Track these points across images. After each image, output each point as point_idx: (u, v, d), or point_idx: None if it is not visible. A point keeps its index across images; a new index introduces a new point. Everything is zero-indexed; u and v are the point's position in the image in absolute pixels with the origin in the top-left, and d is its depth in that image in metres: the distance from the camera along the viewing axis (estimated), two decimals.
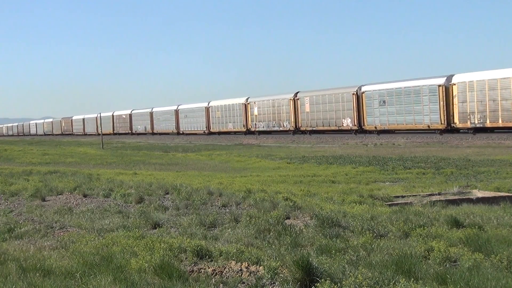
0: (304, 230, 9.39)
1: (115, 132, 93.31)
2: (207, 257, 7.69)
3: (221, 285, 6.56)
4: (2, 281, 6.72)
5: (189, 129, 72.41)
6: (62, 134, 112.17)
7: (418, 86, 42.56)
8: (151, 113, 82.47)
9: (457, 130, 40.51)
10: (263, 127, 59.56)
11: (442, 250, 7.34)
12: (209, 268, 7.17)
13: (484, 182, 16.89)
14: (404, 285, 5.89)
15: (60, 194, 15.85)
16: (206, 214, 11.31)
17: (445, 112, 40.37)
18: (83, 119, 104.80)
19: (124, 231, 9.54)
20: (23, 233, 10.19)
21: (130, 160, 34.20)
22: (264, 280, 6.58)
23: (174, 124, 75.81)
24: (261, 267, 6.97)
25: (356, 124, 48.21)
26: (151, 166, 29.74)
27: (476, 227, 8.86)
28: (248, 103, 62.04)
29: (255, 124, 60.69)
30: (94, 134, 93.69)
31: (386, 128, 45.61)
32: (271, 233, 9.11)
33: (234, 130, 64.27)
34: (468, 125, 39.06)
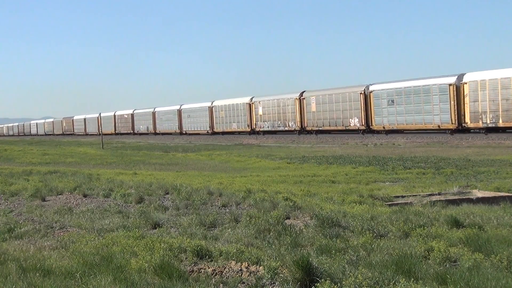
0: (304, 230, 9.39)
1: (117, 132, 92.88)
2: (207, 257, 7.69)
3: (221, 285, 6.56)
4: (2, 281, 6.72)
5: (192, 129, 71.91)
6: (63, 134, 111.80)
7: (428, 85, 41.78)
8: (154, 113, 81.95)
9: (468, 130, 39.73)
10: (268, 127, 58.96)
11: (442, 250, 7.34)
12: (209, 268, 7.17)
13: (484, 182, 16.89)
14: (404, 285, 5.90)
15: (60, 194, 15.85)
16: (206, 214, 11.31)
17: (456, 111, 39.64)
18: (85, 119, 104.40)
19: (124, 231, 9.54)
20: (23, 233, 10.20)
21: (130, 160, 34.20)
22: (264, 280, 6.58)
23: (177, 124, 75.30)
24: (261, 267, 6.97)
25: (363, 124, 47.55)
26: (151, 166, 29.75)
27: (476, 227, 8.86)
28: (253, 103, 61.37)
29: (260, 124, 60.11)
30: (96, 134, 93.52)
31: (395, 128, 44.91)
32: (271, 233, 9.11)
33: (238, 130, 63.63)
34: (480, 125, 38.25)
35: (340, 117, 49.97)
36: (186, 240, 8.45)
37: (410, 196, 13.84)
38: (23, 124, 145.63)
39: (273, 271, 6.70)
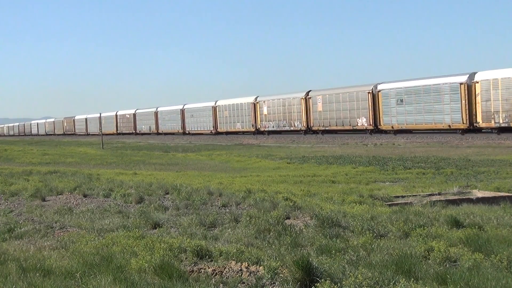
0: (304, 230, 9.39)
1: (118, 132, 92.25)
2: (207, 257, 7.69)
3: (221, 285, 6.56)
4: (2, 281, 6.72)
5: (196, 129, 71.29)
6: (64, 134, 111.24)
7: (438, 84, 41.15)
8: (156, 113, 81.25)
9: (479, 130, 39.03)
10: (273, 126, 58.22)
11: (442, 250, 7.34)
12: (209, 268, 7.17)
13: (484, 182, 16.89)
14: (404, 285, 5.90)
15: (60, 194, 15.85)
16: (206, 214, 11.31)
17: (467, 111, 38.99)
18: (86, 119, 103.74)
19: (124, 231, 9.54)
20: (23, 233, 10.20)
21: (130, 160, 34.21)
22: (264, 280, 6.58)
23: (180, 124, 74.68)
24: (261, 267, 6.97)
25: (371, 123, 46.86)
26: (151, 166, 29.75)
27: (476, 227, 8.86)
28: (257, 102, 60.70)
29: (265, 124, 59.42)
30: (97, 134, 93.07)
31: (404, 128, 44.21)
32: (271, 233, 9.11)
33: (243, 130, 62.91)
34: (492, 124, 37.54)
35: (347, 117, 49.27)
36: (186, 240, 8.45)
37: (410, 196, 13.84)
38: (24, 124, 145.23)
39: (273, 271, 6.70)
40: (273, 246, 8.15)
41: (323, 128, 52.09)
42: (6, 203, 14.59)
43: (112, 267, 7.06)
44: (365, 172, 21.91)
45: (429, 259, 7.24)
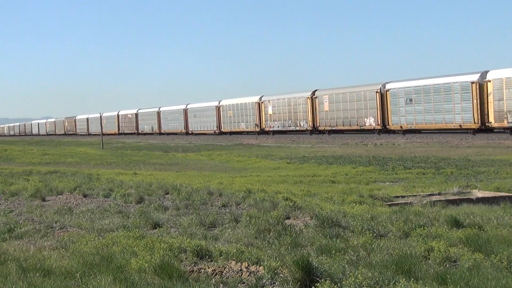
0: (304, 230, 9.39)
1: (120, 132, 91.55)
2: (207, 257, 7.69)
3: (221, 285, 6.56)
4: (2, 281, 6.72)
5: (199, 129, 70.57)
6: (65, 134, 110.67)
7: (449, 83, 40.31)
8: (159, 113, 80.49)
9: (491, 130, 38.26)
10: (278, 126, 57.31)
11: (442, 250, 7.34)
12: (209, 268, 7.18)
13: (484, 182, 16.89)
14: (404, 285, 5.90)
15: (60, 194, 15.85)
16: (206, 214, 11.32)
17: (479, 110, 38.12)
18: (87, 119, 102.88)
19: (124, 231, 9.54)
20: (23, 233, 10.20)
21: (130, 160, 34.21)
22: (264, 280, 6.58)
23: (183, 124, 73.94)
24: (261, 267, 6.97)
25: (379, 123, 46.00)
26: (151, 166, 29.75)
27: (476, 227, 8.86)
28: (262, 102, 59.87)
29: (270, 124, 58.62)
30: (99, 134, 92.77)
31: (413, 127, 43.36)
32: (271, 233, 9.11)
33: (247, 130, 61.97)
34: (505, 124, 36.67)
35: (354, 117, 48.43)
36: (186, 240, 8.45)
37: (410, 196, 13.84)
38: (25, 124, 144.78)
39: (273, 271, 6.70)
40: (273, 246, 8.15)
41: (330, 128, 51.24)
42: (6, 203, 14.59)
43: (112, 267, 7.06)
44: (365, 172, 21.91)
45: (429, 259, 7.24)
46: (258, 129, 60.23)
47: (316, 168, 24.99)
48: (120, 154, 41.24)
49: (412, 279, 6.12)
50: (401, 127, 44.46)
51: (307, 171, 23.20)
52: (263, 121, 59.85)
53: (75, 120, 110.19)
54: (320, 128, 52.74)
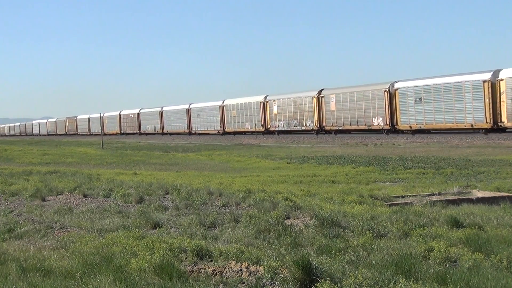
0: (304, 230, 9.39)
1: (122, 132, 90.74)
2: (207, 257, 7.70)
3: (221, 285, 6.56)
4: (2, 281, 6.72)
5: (202, 129, 69.72)
6: (66, 134, 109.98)
7: (460, 82, 39.42)
8: (161, 112, 79.56)
9: (504, 130, 37.39)
10: (284, 126, 56.49)
11: (442, 250, 7.34)
12: (209, 268, 7.18)
13: (484, 182, 16.89)
14: (404, 285, 5.90)
15: (60, 194, 15.85)
16: (206, 214, 11.32)
17: (491, 110, 37.30)
18: (89, 119, 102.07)
19: (124, 231, 9.54)
20: (23, 233, 10.20)
21: (130, 160, 34.21)
22: (264, 280, 6.58)
23: (186, 124, 73.12)
24: (261, 267, 6.97)
25: (388, 123, 45.18)
26: (151, 166, 29.75)
27: (476, 227, 8.86)
28: (267, 102, 58.99)
29: (275, 124, 57.61)
30: (100, 134, 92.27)
31: (423, 127, 42.60)
32: (271, 233, 9.11)
33: (252, 130, 61.08)
34: None
35: (362, 116, 47.61)
36: (186, 240, 8.45)
37: (410, 196, 13.84)
38: (25, 124, 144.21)
39: (273, 271, 6.70)
40: (273, 246, 8.15)
41: (336, 128, 50.44)
42: (6, 203, 14.60)
43: (112, 267, 7.06)
44: (365, 172, 21.91)
45: (429, 259, 7.24)
46: (263, 129, 59.49)
47: (316, 168, 24.99)
48: (120, 154, 41.24)
49: (412, 279, 6.12)
50: (410, 127, 43.66)
51: (307, 171, 23.20)
52: (268, 121, 59.13)
53: (76, 120, 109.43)
54: (326, 128, 51.94)
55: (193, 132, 71.79)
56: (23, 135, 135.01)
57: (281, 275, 6.59)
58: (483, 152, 29.19)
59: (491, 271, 6.44)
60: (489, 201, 12.69)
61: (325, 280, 6.06)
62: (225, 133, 65.36)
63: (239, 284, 6.57)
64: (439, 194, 14.01)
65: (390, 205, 12.34)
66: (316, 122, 52.82)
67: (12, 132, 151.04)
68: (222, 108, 66.47)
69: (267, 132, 59.00)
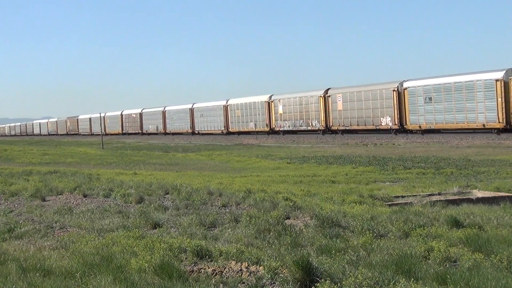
0: (304, 230, 9.39)
1: (124, 132, 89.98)
2: (207, 257, 7.69)
3: (221, 285, 6.56)
4: (2, 281, 6.73)
5: (206, 129, 68.95)
6: (67, 134, 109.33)
7: (471, 81, 38.59)
8: (164, 112, 78.77)
9: None
10: (289, 126, 55.69)
11: (442, 250, 7.34)
12: (209, 268, 7.18)
13: (484, 182, 16.90)
14: (404, 285, 5.90)
15: (60, 194, 15.85)
16: (206, 214, 11.32)
17: (504, 109, 36.49)
18: (90, 119, 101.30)
19: (124, 231, 9.54)
20: (23, 233, 10.20)
21: (130, 160, 34.21)
22: (264, 280, 6.58)
23: (189, 124, 72.29)
24: (261, 267, 6.97)
25: (396, 123, 44.50)
26: (151, 166, 29.76)
27: (476, 227, 8.86)
28: (272, 101, 58.17)
29: (280, 124, 56.81)
30: (102, 134, 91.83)
31: (433, 127, 41.84)
32: (271, 233, 9.11)
33: (256, 130, 60.18)
34: None
35: (370, 116, 46.79)
36: (186, 240, 8.45)
37: (410, 196, 13.84)
38: (26, 124, 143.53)
39: (273, 271, 6.70)
40: (273, 246, 8.15)
41: (343, 128, 49.70)
42: (6, 203, 14.59)
43: (112, 267, 7.06)
44: (365, 172, 21.92)
45: (429, 259, 7.24)
46: (267, 129, 58.76)
47: (316, 168, 24.99)
48: (120, 154, 41.25)
49: (412, 279, 6.12)
50: (420, 126, 42.94)
51: (307, 171, 23.21)
52: (273, 121, 58.33)
53: (77, 120, 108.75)
54: (333, 128, 51.19)
55: (196, 132, 71.09)
56: (23, 135, 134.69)
57: (281, 275, 6.59)
58: (483, 152, 29.20)
59: (491, 271, 6.44)
60: (489, 201, 12.69)
61: (325, 280, 6.06)
62: (229, 133, 64.68)
63: (239, 284, 6.57)
64: (439, 194, 14.02)
65: (390, 205, 12.35)
66: (323, 122, 52.07)
67: (13, 132, 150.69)
68: (226, 107, 65.72)
69: (272, 132, 58.28)
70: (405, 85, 44.13)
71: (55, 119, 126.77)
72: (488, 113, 37.70)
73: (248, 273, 6.90)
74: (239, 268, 7.08)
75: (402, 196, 13.87)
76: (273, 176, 21.20)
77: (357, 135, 48.23)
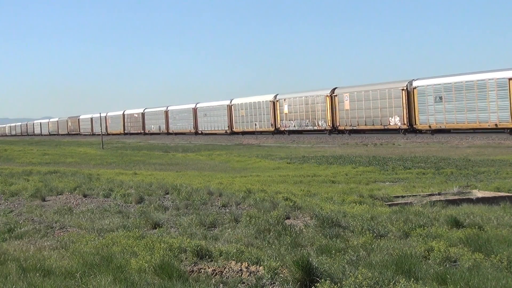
0: (304, 230, 9.39)
1: (126, 132, 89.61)
2: (207, 257, 7.69)
3: (221, 285, 6.56)
4: (2, 281, 6.73)
5: (209, 129, 68.33)
6: (68, 134, 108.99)
7: (483, 80, 37.80)
8: (166, 112, 78.26)
9: None
10: (295, 126, 55.10)
11: (442, 250, 7.34)
12: (209, 268, 7.18)
13: (484, 182, 16.90)
14: (404, 285, 5.90)
15: (60, 194, 15.85)
16: (206, 214, 11.32)
17: None
18: (91, 119, 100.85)
19: (124, 231, 9.54)
20: (23, 233, 10.20)
21: (130, 160, 34.21)
22: (264, 280, 6.58)
23: (192, 124, 71.74)
24: (261, 267, 6.97)
25: (405, 122, 43.87)
26: (151, 166, 29.75)
27: (476, 227, 8.86)
28: (277, 101, 57.56)
29: (285, 123, 56.27)
30: (103, 134, 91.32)
31: (443, 127, 41.29)
32: (271, 233, 9.11)
33: (261, 129, 59.50)
34: None
35: (378, 116, 46.19)
36: (186, 240, 8.45)
37: (410, 196, 13.85)
38: (26, 124, 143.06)
39: (273, 271, 6.70)
40: (273, 246, 8.15)
41: (351, 128, 49.13)
42: (6, 203, 14.60)
43: (112, 267, 7.06)
44: (365, 172, 21.92)
45: (429, 259, 7.24)
46: (273, 129, 58.11)
47: (316, 168, 24.99)
48: (120, 154, 41.24)
49: (412, 279, 6.12)
50: (429, 126, 42.33)
51: (307, 171, 23.21)
52: (278, 121, 57.64)
53: (78, 120, 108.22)
54: (340, 128, 50.60)
55: (200, 132, 70.36)
56: (24, 135, 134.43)
57: (281, 275, 6.59)
58: (483, 152, 29.19)
59: (491, 271, 6.44)
60: (489, 201, 12.70)
61: (325, 280, 6.06)
62: (233, 133, 63.98)
63: (239, 284, 6.57)
64: (439, 194, 14.03)
65: (390, 205, 12.35)
66: (329, 121, 51.39)
67: (13, 132, 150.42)
68: (230, 107, 65.13)
69: (278, 132, 57.69)
70: (415, 84, 43.56)
71: (56, 119, 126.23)
72: (500, 112, 36.96)
73: (248, 273, 6.90)
74: (239, 268, 7.08)
75: (402, 196, 13.88)
76: (273, 176, 21.20)
77: (360, 135, 47.65)
